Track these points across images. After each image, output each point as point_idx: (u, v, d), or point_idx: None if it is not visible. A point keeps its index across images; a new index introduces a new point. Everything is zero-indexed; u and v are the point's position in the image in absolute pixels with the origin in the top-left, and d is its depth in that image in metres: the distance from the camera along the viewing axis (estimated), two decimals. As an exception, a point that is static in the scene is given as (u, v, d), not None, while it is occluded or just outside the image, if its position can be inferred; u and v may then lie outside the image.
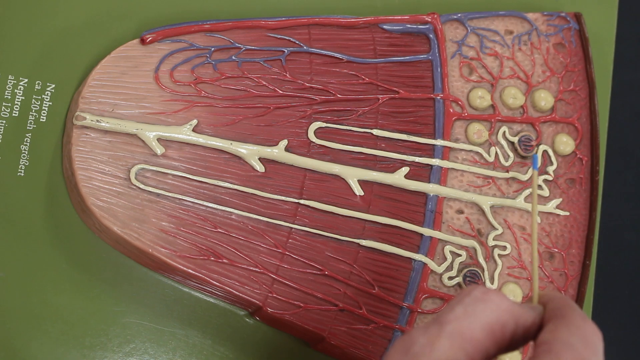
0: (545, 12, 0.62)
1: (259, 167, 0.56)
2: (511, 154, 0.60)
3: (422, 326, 0.40)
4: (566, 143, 0.60)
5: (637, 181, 0.69)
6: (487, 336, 0.40)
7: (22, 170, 0.56)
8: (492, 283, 0.58)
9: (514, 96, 0.60)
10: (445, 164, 0.58)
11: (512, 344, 0.41)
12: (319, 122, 0.57)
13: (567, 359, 0.38)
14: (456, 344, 0.39)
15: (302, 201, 0.56)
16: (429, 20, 0.60)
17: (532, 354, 0.40)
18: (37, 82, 0.57)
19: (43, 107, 0.57)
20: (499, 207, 0.59)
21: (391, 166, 0.58)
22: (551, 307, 0.42)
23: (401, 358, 0.39)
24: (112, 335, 0.55)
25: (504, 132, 0.60)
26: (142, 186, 0.54)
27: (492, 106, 0.60)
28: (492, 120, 0.60)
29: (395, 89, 0.59)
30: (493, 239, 0.58)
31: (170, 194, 0.54)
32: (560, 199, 0.60)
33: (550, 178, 0.60)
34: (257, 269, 0.55)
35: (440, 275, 0.57)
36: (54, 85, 0.57)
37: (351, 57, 0.58)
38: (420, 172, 0.58)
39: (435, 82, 0.59)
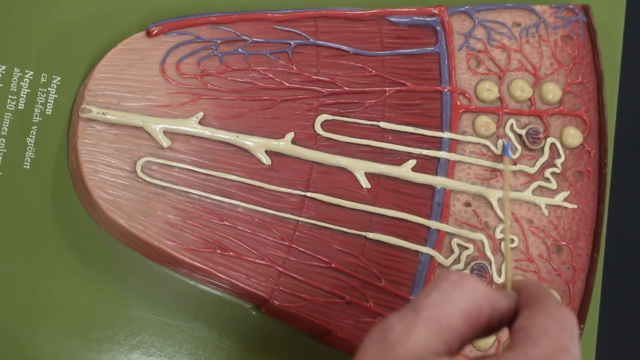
0: (553, 4, 0.62)
1: (266, 160, 0.56)
2: (519, 147, 0.59)
3: (398, 313, 0.40)
4: (574, 136, 0.60)
5: (645, 174, 0.69)
6: (463, 321, 0.40)
7: (28, 163, 0.56)
8: (499, 276, 0.57)
9: (521, 89, 0.60)
10: (452, 156, 0.58)
11: (487, 329, 0.41)
12: (326, 115, 0.57)
13: (544, 345, 0.38)
14: (433, 331, 0.39)
15: (308, 194, 0.56)
16: (436, 12, 0.60)
17: (509, 342, 0.40)
18: (43, 74, 0.57)
19: (49, 100, 0.56)
20: (507, 200, 0.59)
21: (398, 159, 0.58)
22: (526, 294, 0.42)
23: (378, 346, 0.39)
24: (118, 328, 0.55)
25: (512, 124, 0.59)
26: (148, 179, 0.54)
27: (500, 99, 0.60)
28: (500, 112, 0.59)
29: (402, 81, 0.58)
30: (500, 232, 0.58)
31: (176, 187, 0.54)
32: (568, 192, 0.60)
33: (558, 171, 0.60)
34: (263, 262, 0.54)
35: (448, 268, 0.57)
36: (59, 78, 0.57)
37: (358, 49, 0.58)
38: (427, 165, 0.58)
39: (442, 75, 0.59)
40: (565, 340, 0.39)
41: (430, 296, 0.40)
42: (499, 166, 0.59)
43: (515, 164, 0.59)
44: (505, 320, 0.42)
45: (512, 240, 0.58)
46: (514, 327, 0.40)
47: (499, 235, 0.58)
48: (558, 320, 0.40)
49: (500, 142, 0.59)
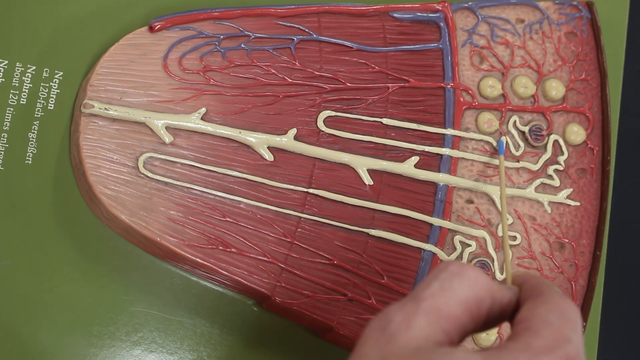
0: (557, 1, 0.62)
1: (268, 156, 0.56)
2: (522, 144, 0.59)
3: (398, 303, 0.40)
4: (577, 133, 0.60)
5: (648, 171, 0.69)
6: (463, 312, 0.40)
7: (30, 158, 0.56)
8: (501, 273, 0.57)
9: (524, 85, 0.60)
10: (455, 153, 0.58)
11: (488, 321, 0.41)
12: (329, 111, 0.57)
13: (546, 336, 0.38)
14: (433, 322, 0.39)
15: (311, 190, 0.56)
16: (440, 8, 0.59)
17: (510, 333, 0.40)
18: (45, 69, 0.57)
19: (51, 95, 0.56)
20: (509, 197, 0.58)
21: (401, 155, 0.57)
22: (527, 286, 0.42)
23: (378, 337, 0.39)
24: (120, 324, 0.55)
25: (515, 121, 0.59)
26: (150, 175, 0.54)
27: (503, 95, 0.60)
28: (503, 109, 0.59)
29: (405, 77, 0.58)
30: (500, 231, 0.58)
31: (178, 183, 0.54)
32: (571, 189, 0.60)
33: (561, 168, 0.60)
34: (265, 259, 0.54)
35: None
36: (62, 73, 0.57)
37: (361, 45, 0.58)
38: (430, 162, 0.58)
39: (445, 71, 0.59)
40: (568, 331, 0.39)
41: (430, 287, 0.40)
42: (496, 162, 0.59)
43: (518, 160, 0.59)
44: (506, 313, 0.42)
45: (515, 238, 0.58)
46: (516, 319, 0.40)
47: (501, 233, 0.58)
48: (560, 311, 0.39)
49: (501, 140, 0.59)
